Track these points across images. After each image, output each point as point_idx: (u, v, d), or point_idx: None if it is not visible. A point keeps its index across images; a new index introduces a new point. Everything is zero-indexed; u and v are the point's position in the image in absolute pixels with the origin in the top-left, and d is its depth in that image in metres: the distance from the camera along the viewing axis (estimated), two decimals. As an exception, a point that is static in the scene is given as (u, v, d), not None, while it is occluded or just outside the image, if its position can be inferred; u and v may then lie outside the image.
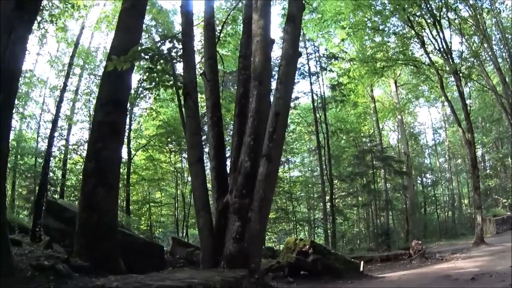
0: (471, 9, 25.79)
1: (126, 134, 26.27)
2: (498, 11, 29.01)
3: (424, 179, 45.62)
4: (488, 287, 8.61)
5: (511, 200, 38.85)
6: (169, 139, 29.56)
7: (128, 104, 21.78)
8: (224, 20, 18.86)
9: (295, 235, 31.40)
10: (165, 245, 18.76)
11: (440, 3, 23.44)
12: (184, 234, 30.97)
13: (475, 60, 26.76)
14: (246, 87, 8.66)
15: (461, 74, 23.98)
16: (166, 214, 36.63)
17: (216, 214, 8.29)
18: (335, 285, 10.85)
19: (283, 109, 7.80)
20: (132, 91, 20.14)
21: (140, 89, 26.07)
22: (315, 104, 30.33)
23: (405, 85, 38.43)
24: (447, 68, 23.63)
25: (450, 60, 23.20)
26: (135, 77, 24.58)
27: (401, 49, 26.77)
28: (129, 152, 27.13)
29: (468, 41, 27.29)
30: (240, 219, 7.36)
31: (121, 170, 25.88)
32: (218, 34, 14.51)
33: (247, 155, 7.71)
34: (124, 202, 26.80)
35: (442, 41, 23.18)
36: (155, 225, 33.97)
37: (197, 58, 12.77)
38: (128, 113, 25.09)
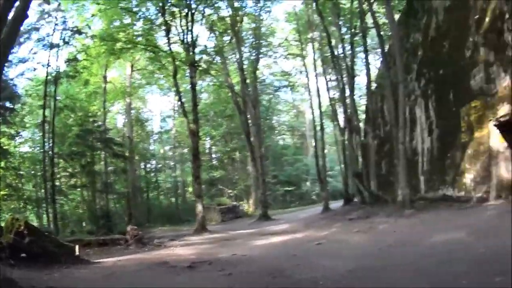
0: (233, 10, 27.35)
1: None
2: (262, 18, 31.45)
3: (148, 165, 46.66)
4: (205, 275, 8.81)
5: (237, 191, 42.70)
6: None
7: None
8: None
9: (27, 215, 29.59)
10: None
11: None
12: None
13: (218, 57, 28.41)
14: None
15: (199, 68, 25.13)
16: None
17: None
18: (51, 271, 10.04)
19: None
20: None
21: None
22: (49, 77, 28.35)
23: (141, 70, 38.88)
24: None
25: (191, 52, 24.09)
26: None
27: (144, 33, 26.88)
28: None
29: (218, 38, 28.78)
30: None
31: None
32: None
33: None
34: None
35: (189, 32, 24.02)
36: None
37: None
38: None
